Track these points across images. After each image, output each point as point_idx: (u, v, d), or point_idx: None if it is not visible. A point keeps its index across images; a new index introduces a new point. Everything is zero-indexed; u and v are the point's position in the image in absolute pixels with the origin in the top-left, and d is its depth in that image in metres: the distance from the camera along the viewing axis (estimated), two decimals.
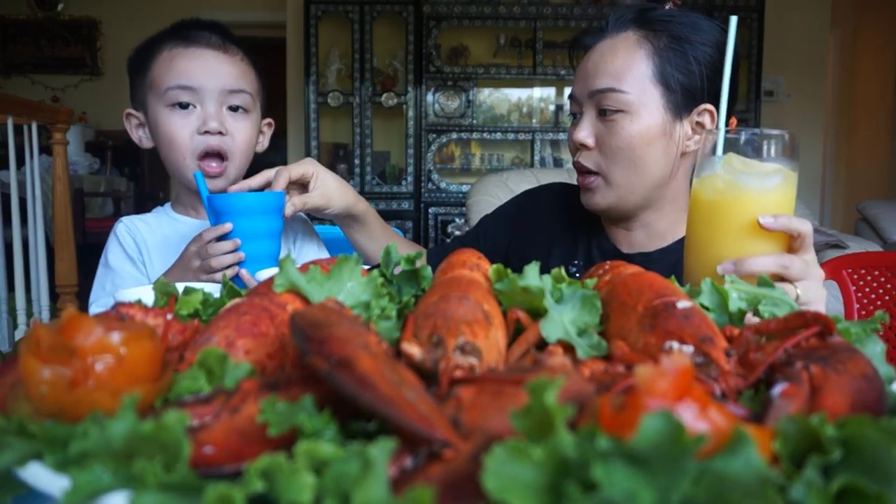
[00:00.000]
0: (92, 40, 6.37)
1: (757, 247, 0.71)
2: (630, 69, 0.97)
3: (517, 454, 0.28)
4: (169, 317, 0.51)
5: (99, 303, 1.10)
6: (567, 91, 1.12)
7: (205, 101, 1.06)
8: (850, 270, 1.67)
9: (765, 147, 0.72)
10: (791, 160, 0.73)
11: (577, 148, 1.03)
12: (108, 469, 0.32)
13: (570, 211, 1.17)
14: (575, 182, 1.11)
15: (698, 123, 1.01)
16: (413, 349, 0.43)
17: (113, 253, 1.14)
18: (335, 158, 5.12)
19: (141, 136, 1.15)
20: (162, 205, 1.25)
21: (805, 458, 0.31)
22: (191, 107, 1.06)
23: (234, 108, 1.09)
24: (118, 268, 1.13)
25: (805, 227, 0.71)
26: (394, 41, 4.99)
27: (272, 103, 1.23)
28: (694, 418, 0.31)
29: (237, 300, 0.52)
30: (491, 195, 3.48)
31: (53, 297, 2.55)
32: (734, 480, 0.27)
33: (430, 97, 5.00)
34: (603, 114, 0.99)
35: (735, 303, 0.58)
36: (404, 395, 0.33)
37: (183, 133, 1.06)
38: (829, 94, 6.28)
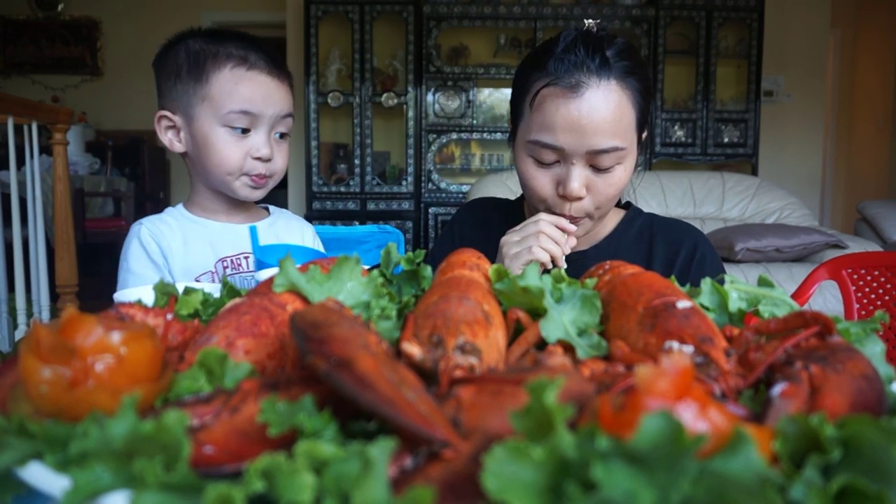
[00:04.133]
0: (92, 40, 6.36)
1: None
2: (623, 121, 0.97)
3: (517, 454, 0.28)
4: (169, 317, 0.51)
5: None
6: None
7: (259, 126, 1.11)
8: (850, 270, 1.67)
9: None
10: None
11: (566, 199, 1.00)
12: (109, 469, 0.32)
13: (507, 221, 1.16)
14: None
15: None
16: (413, 349, 0.43)
17: (135, 257, 1.13)
18: (335, 158, 5.13)
19: (172, 139, 1.14)
20: (174, 205, 1.25)
21: (805, 457, 0.31)
22: (246, 131, 1.10)
23: (279, 135, 1.14)
24: (140, 272, 1.13)
25: None
26: (394, 41, 4.99)
27: None
28: (694, 418, 0.31)
29: (237, 300, 0.52)
30: (491, 195, 3.49)
31: (53, 297, 2.55)
32: (734, 480, 0.27)
33: (430, 97, 4.99)
34: (598, 167, 0.98)
35: (735, 303, 0.58)
36: (404, 395, 0.33)
37: (237, 156, 1.10)
38: (829, 94, 6.29)
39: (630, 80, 0.98)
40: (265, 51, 1.13)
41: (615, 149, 0.96)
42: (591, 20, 1.05)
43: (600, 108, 0.95)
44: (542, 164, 1.01)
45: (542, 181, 1.01)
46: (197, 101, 1.09)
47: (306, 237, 1.31)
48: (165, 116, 1.13)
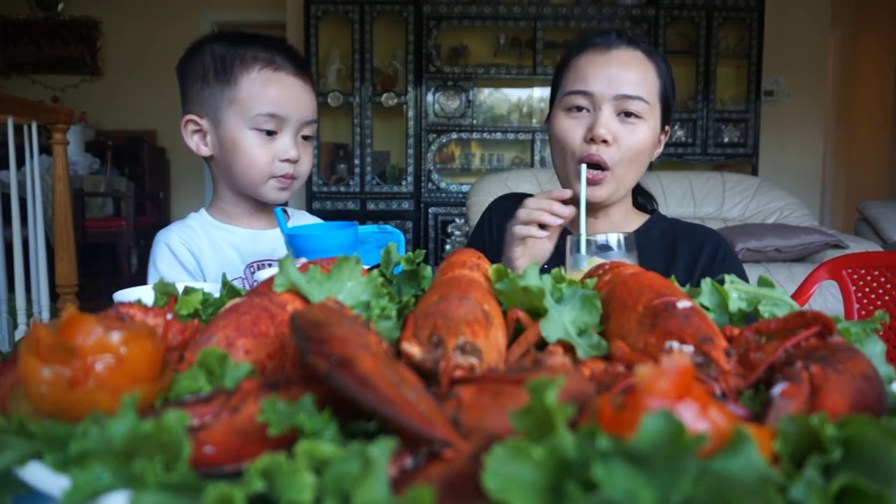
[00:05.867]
0: (92, 40, 6.37)
1: None
2: (648, 82, 1.10)
3: (517, 454, 0.28)
4: (169, 317, 0.51)
5: None
6: None
7: (286, 129, 1.12)
8: (850, 270, 1.67)
9: (614, 246, 0.88)
10: (630, 254, 0.88)
11: (593, 142, 1.08)
12: (108, 469, 0.32)
13: None
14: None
15: (659, 140, 1.19)
16: (413, 349, 0.43)
17: (167, 264, 1.13)
18: (335, 158, 5.12)
19: (198, 143, 1.15)
20: (195, 210, 1.24)
21: (805, 457, 0.31)
22: (272, 134, 1.11)
23: (303, 137, 1.15)
24: (174, 278, 1.10)
25: None
26: (394, 41, 4.99)
27: None
28: (694, 418, 0.31)
29: (237, 300, 0.52)
30: (491, 195, 3.48)
31: (53, 297, 2.55)
32: (735, 480, 0.27)
33: (430, 97, 4.99)
34: (623, 115, 1.09)
35: (735, 303, 0.58)
36: (404, 394, 0.33)
37: (265, 158, 1.11)
38: (829, 94, 6.29)
39: (656, 58, 1.13)
40: (290, 53, 1.14)
41: (640, 98, 1.08)
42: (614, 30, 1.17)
43: (627, 62, 1.10)
44: (574, 114, 1.11)
45: (575, 132, 1.11)
46: (225, 105, 1.10)
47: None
48: (192, 120, 1.13)
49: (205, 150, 1.15)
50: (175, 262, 1.13)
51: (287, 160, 1.11)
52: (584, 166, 1.05)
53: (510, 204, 1.33)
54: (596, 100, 1.09)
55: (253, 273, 1.15)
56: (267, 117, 1.09)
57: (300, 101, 1.12)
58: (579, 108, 1.10)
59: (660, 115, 1.13)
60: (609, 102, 1.08)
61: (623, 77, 1.08)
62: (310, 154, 1.17)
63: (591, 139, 1.08)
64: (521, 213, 1.03)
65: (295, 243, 1.02)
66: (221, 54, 1.10)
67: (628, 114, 1.08)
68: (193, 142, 1.14)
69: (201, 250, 1.15)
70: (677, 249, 1.19)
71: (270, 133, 1.10)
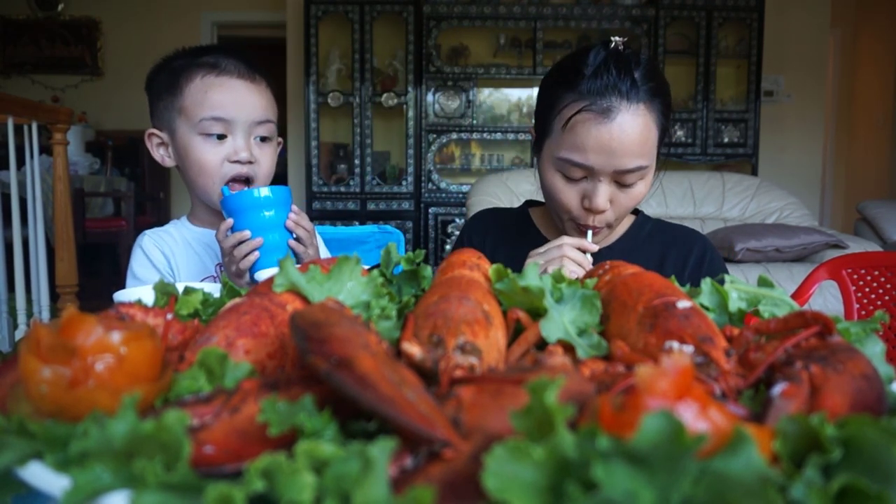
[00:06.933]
0: (92, 40, 6.36)
1: None
2: (649, 142, 1.03)
3: (517, 454, 0.28)
4: (169, 317, 0.51)
5: None
6: None
7: (236, 131, 1.12)
8: (850, 270, 1.67)
9: None
10: None
11: (591, 212, 1.05)
12: (109, 469, 0.32)
13: (518, 232, 1.27)
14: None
15: None
16: (413, 349, 0.43)
17: (140, 265, 1.18)
18: (335, 158, 5.12)
19: (163, 156, 1.19)
20: (177, 214, 1.30)
21: (805, 457, 0.31)
22: (223, 137, 1.12)
23: (260, 138, 1.16)
24: (146, 278, 1.17)
25: None
26: (394, 41, 4.99)
27: None
28: (694, 418, 0.31)
29: (237, 300, 0.52)
30: (491, 195, 3.49)
31: (53, 297, 2.55)
32: (734, 480, 0.27)
33: (430, 97, 4.99)
34: (623, 183, 1.04)
35: (735, 303, 0.58)
36: (404, 394, 0.33)
37: (215, 161, 1.12)
38: (829, 94, 6.29)
39: (656, 101, 1.03)
40: (238, 56, 1.15)
41: (640, 168, 1.02)
42: (617, 38, 1.07)
43: (629, 131, 1.00)
44: (569, 179, 1.06)
45: (569, 195, 1.06)
46: (175, 115, 1.13)
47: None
48: (154, 134, 1.17)
49: (168, 162, 1.19)
50: (147, 262, 1.18)
51: (238, 161, 1.12)
52: (590, 233, 1.06)
53: (491, 220, 1.33)
54: (595, 172, 1.02)
55: (223, 271, 1.18)
56: (212, 121, 1.10)
57: (247, 103, 1.13)
58: (575, 177, 1.04)
59: (657, 156, 1.07)
60: (608, 175, 1.02)
61: (624, 149, 1.00)
62: (270, 155, 1.17)
63: (588, 208, 1.04)
64: (559, 256, 0.99)
65: (226, 205, 1.05)
66: (174, 68, 1.13)
67: (625, 181, 1.03)
68: (158, 154, 1.18)
69: (173, 252, 1.19)
70: (666, 253, 1.19)
71: (221, 137, 1.11)
